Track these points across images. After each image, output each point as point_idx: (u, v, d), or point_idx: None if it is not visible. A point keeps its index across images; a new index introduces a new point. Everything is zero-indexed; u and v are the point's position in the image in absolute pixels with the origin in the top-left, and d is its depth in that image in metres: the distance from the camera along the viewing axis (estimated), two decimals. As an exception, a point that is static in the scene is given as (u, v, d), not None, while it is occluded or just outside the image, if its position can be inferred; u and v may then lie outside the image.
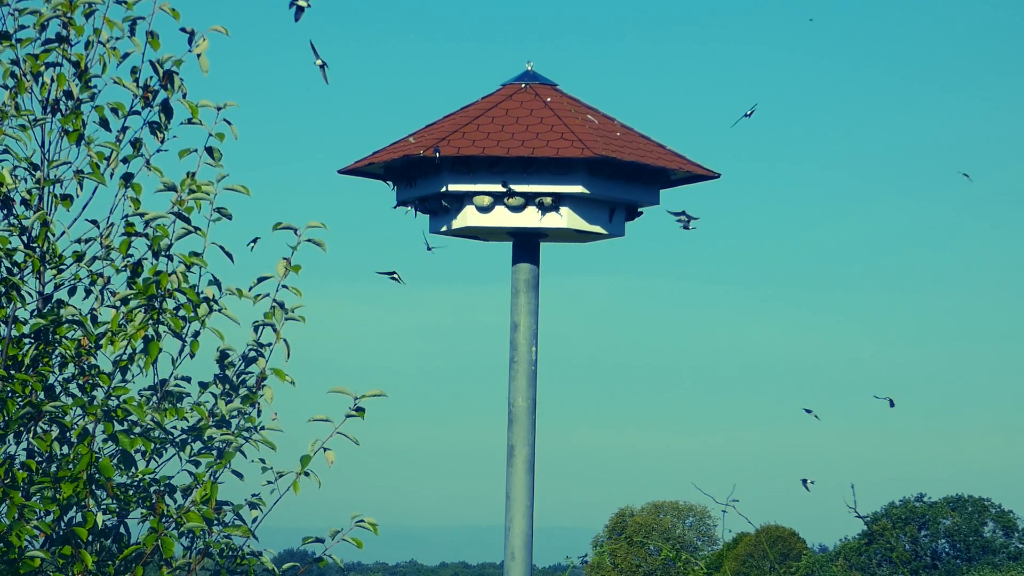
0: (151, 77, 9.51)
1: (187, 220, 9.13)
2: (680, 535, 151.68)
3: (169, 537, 8.82)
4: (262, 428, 9.33)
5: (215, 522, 9.13)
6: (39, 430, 9.06)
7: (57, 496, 8.65)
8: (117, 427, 8.73)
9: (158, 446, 9.10)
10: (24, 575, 8.50)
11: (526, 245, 15.61)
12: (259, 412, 9.44)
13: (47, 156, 9.45)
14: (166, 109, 9.51)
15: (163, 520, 8.88)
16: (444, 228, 15.57)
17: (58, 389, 9.27)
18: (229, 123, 9.47)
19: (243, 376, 9.52)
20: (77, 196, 9.43)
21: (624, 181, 15.59)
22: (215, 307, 9.27)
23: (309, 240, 9.49)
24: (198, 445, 9.19)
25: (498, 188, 14.99)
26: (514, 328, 15.54)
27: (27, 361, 9.13)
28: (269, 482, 9.28)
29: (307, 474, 9.18)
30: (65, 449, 8.99)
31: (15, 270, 9.23)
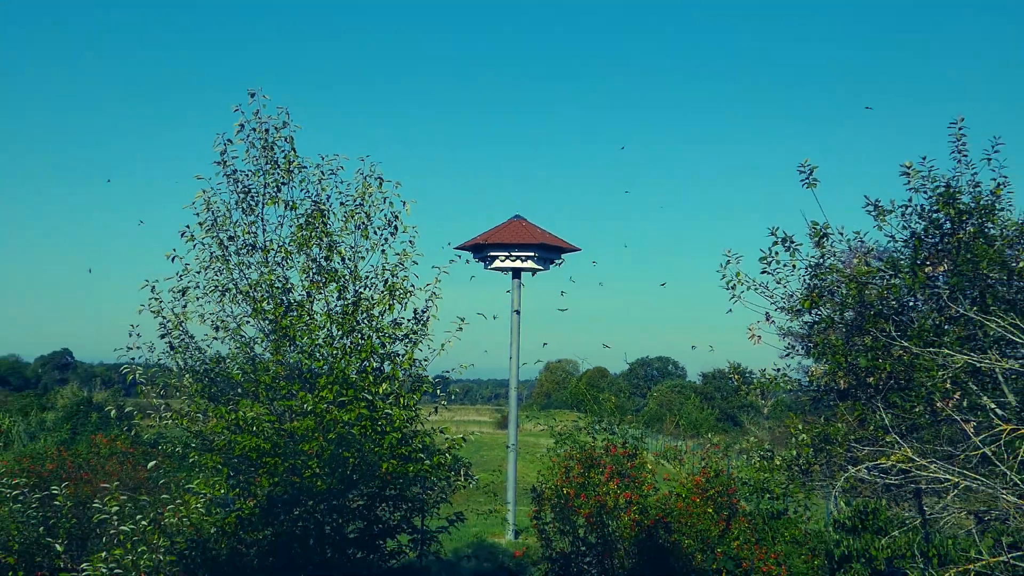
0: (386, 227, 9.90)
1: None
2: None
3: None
4: (413, 345, 9.82)
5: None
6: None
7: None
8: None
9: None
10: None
11: (516, 274, 17.26)
12: (423, 340, 9.88)
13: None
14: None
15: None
16: (489, 267, 17.05)
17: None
18: (412, 244, 9.82)
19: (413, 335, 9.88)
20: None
21: (550, 252, 17.18)
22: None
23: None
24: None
25: (507, 254, 16.79)
26: (512, 305, 17.25)
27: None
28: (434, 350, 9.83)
29: (442, 347, 9.79)
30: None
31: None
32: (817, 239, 9.60)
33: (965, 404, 8.42)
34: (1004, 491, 7.09)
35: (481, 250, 16.94)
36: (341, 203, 9.66)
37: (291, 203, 9.52)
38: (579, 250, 17.12)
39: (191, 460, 9.67)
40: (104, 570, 8.71)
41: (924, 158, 9.15)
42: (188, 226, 9.45)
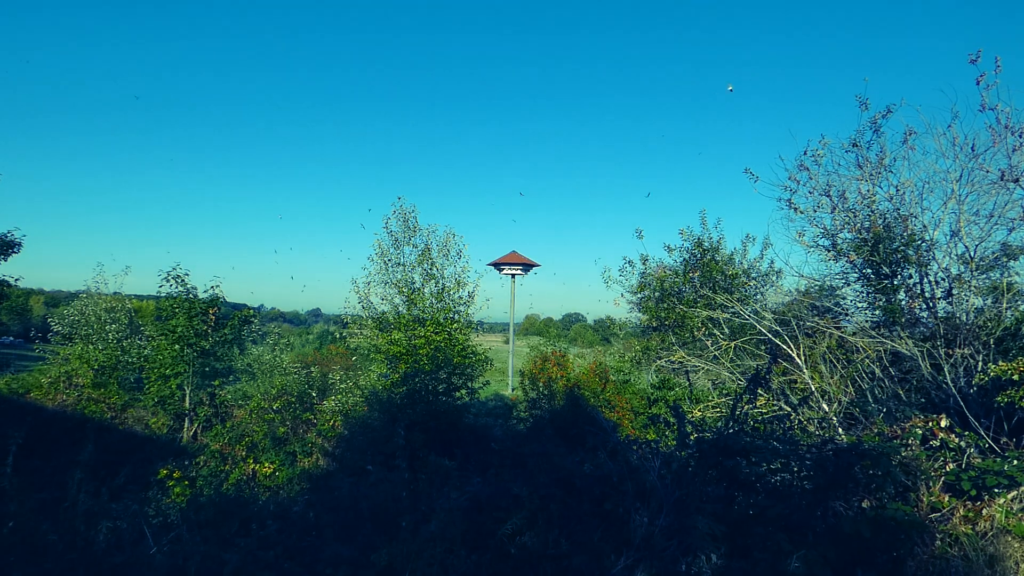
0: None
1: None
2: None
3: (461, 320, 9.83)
4: (468, 307, 10.04)
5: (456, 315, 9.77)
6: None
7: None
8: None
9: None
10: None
11: (516, 276, 15.50)
12: (472, 305, 10.21)
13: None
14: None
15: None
16: (501, 273, 15.55)
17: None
18: (467, 261, 10.34)
19: (467, 303, 10.14)
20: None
21: (527, 267, 15.50)
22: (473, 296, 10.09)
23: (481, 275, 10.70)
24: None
25: (508, 268, 15.35)
26: (511, 290, 15.61)
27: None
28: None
29: (480, 308, 10.25)
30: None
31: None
32: (643, 261, 11.24)
33: (707, 332, 9.13)
34: (723, 370, 8.23)
35: (497, 266, 15.99)
36: (436, 244, 10.51)
37: (415, 244, 10.43)
38: (540, 265, 16.28)
39: (371, 356, 10.45)
40: (334, 404, 9.55)
41: (688, 226, 10.93)
42: (370, 256, 10.56)
